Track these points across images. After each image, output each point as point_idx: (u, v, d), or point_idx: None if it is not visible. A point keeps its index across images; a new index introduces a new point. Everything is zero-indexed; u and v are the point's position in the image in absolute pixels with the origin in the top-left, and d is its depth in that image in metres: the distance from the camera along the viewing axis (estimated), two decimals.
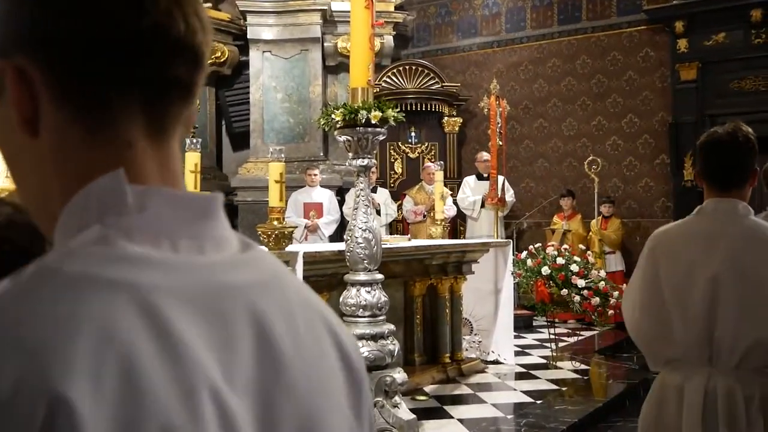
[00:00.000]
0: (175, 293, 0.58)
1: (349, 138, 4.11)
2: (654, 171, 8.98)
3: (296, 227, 8.41)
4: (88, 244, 0.58)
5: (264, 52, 9.48)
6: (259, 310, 0.63)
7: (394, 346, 4.17)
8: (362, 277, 4.11)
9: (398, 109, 4.31)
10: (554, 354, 6.59)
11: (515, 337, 7.46)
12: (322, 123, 4.20)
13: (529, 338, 7.68)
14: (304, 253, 4.39)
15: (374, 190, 8.84)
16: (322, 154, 9.52)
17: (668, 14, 8.58)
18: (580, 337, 7.64)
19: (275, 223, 4.29)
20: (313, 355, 0.68)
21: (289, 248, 4.39)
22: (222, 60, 9.93)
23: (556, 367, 6.24)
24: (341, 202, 9.04)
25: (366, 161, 4.14)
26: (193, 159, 4.73)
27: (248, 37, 9.47)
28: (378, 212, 8.74)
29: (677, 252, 2.34)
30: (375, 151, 4.23)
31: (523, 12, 9.80)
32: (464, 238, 9.16)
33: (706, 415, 2.16)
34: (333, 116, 4.07)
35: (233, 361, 0.60)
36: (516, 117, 9.80)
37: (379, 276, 4.17)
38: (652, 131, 8.98)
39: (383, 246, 5.39)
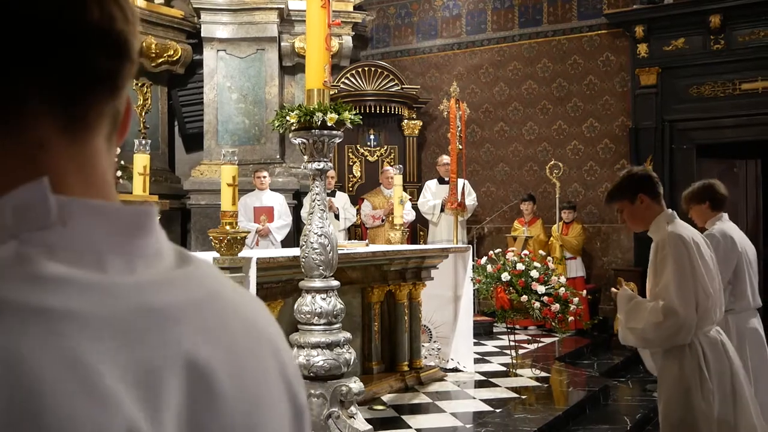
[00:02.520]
0: (94, 320, 0.52)
1: (304, 141, 3.94)
2: (614, 176, 8.75)
3: (248, 232, 8.21)
4: (1, 262, 0.52)
5: (219, 51, 9.24)
6: (191, 339, 0.57)
7: (350, 354, 4.00)
8: (317, 283, 3.94)
9: (356, 112, 4.16)
10: (514, 361, 6.49)
11: (475, 344, 7.34)
12: (276, 125, 4.02)
13: (489, 345, 7.58)
14: (258, 258, 4.19)
15: (332, 194, 8.68)
16: (278, 156, 9.31)
17: (628, 19, 8.59)
18: (540, 344, 7.57)
19: (228, 227, 4.08)
20: (254, 388, 0.62)
21: (243, 254, 4.19)
22: (175, 58, 9.65)
23: (516, 375, 6.14)
24: (298, 206, 8.84)
25: (322, 165, 3.98)
26: (141, 161, 4.51)
27: (202, 35, 9.22)
28: (336, 216, 8.57)
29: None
30: (331, 155, 4.06)
31: (484, 14, 9.72)
32: (425, 243, 9.04)
33: None
34: (288, 118, 3.90)
35: (159, 398, 0.53)
36: (476, 120, 9.71)
37: (335, 283, 4.01)
38: (613, 136, 8.97)
39: (340, 251, 5.22)
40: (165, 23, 9.56)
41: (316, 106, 3.88)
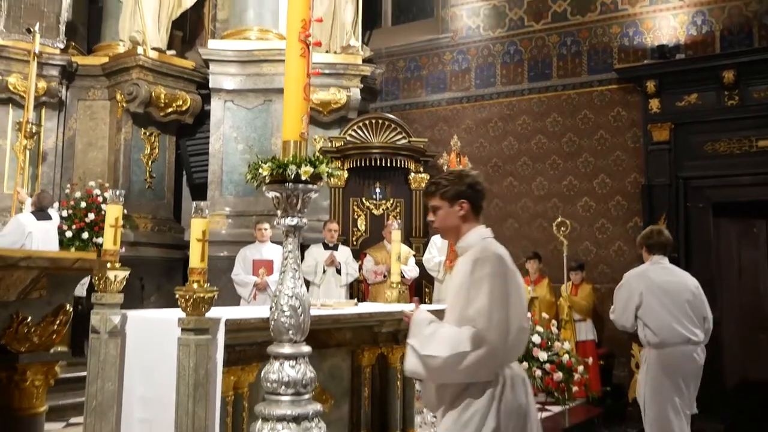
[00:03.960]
0: None
1: (277, 195, 3.74)
2: (627, 234, 8.64)
3: (244, 286, 7.99)
4: None
5: (226, 101, 9.19)
6: None
7: (319, 429, 3.70)
8: (286, 349, 3.67)
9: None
10: None
11: None
12: (248, 177, 3.82)
13: None
14: (228, 320, 3.95)
15: (335, 248, 8.46)
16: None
17: (639, 74, 8.39)
18: (547, 413, 7.14)
19: (195, 285, 3.86)
20: None
21: (211, 313, 3.96)
22: (184, 108, 9.65)
23: None
24: (300, 260, 8.60)
25: (295, 221, 3.75)
26: (114, 212, 4.32)
27: (210, 86, 9.20)
28: (338, 271, 8.33)
29: None
30: (306, 209, 3.84)
31: (493, 68, 9.59)
32: (430, 301, 8.73)
33: None
34: (260, 170, 3.70)
35: None
36: (485, 175, 9.42)
37: (306, 349, 3.73)
38: (625, 193, 8.68)
39: (326, 313, 4.97)
40: (175, 74, 9.58)
41: (290, 159, 3.68)
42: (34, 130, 8.87)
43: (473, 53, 9.78)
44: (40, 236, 7.43)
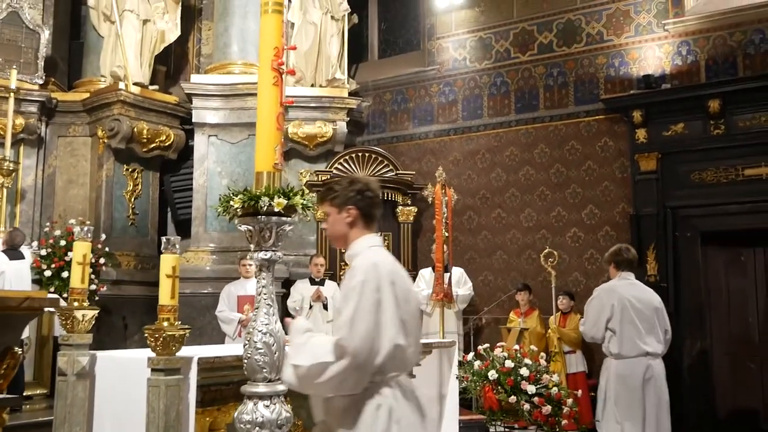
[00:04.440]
0: None
1: (250, 228, 3.62)
2: None
3: (228, 323, 7.81)
4: None
5: (210, 136, 9.12)
6: None
7: None
8: (261, 389, 3.52)
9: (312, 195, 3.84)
10: None
11: None
12: (220, 211, 3.70)
13: None
14: (200, 358, 3.80)
15: (322, 283, 8.31)
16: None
17: (625, 104, 8.35)
18: None
19: (165, 324, 3.71)
20: None
21: (184, 352, 3.81)
22: (167, 144, 9.57)
23: None
24: (286, 296, 8.45)
25: (269, 255, 3.62)
26: (81, 249, 4.19)
27: (193, 120, 9.14)
28: (325, 306, 8.18)
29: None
30: (281, 243, 3.71)
31: (480, 100, 9.56)
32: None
33: None
34: (231, 203, 3.58)
35: None
36: (473, 207, 9.40)
37: (281, 387, 3.57)
38: (613, 223, 8.59)
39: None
40: (158, 109, 9.52)
41: (263, 190, 3.56)
42: (11, 168, 8.70)
43: (460, 85, 9.76)
44: (13, 276, 7.25)
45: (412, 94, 10.10)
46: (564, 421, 5.55)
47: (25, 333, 7.43)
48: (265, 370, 3.48)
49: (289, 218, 3.65)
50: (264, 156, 3.70)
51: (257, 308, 3.58)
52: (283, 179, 9.64)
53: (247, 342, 3.54)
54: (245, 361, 3.51)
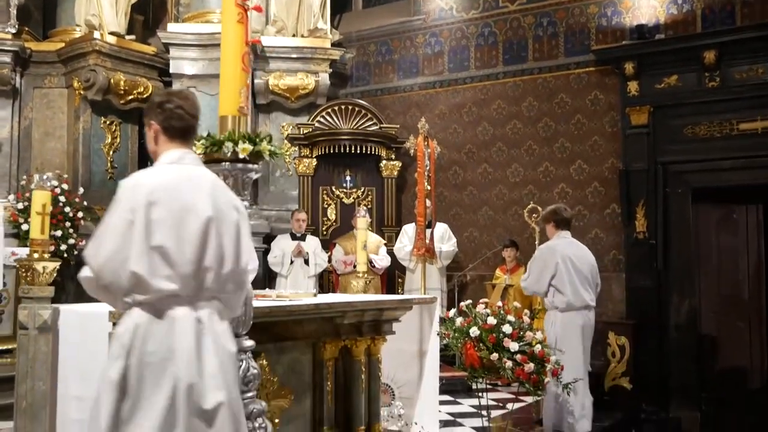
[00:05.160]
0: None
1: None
2: (604, 221, 8.38)
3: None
4: None
5: (189, 87, 8.79)
6: None
7: (263, 429, 3.39)
8: None
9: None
10: (488, 425, 5.81)
11: (450, 403, 6.71)
12: None
13: (466, 405, 6.92)
14: None
15: (303, 238, 8.17)
16: (250, 198, 8.77)
17: (617, 55, 8.10)
18: (520, 404, 6.87)
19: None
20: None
21: None
22: (145, 96, 9.26)
23: None
24: (267, 251, 8.29)
25: None
26: (41, 199, 3.99)
27: (171, 71, 8.84)
28: (306, 262, 8.05)
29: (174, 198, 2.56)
30: (247, 192, 3.51)
31: (467, 51, 9.28)
32: (402, 291, 8.46)
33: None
34: (194, 148, 3.36)
35: None
36: (459, 162, 9.19)
37: (249, 343, 3.41)
38: (602, 179, 8.42)
39: (281, 303, 4.65)
40: (135, 59, 9.20)
41: (227, 135, 3.35)
42: None
43: (446, 36, 9.47)
44: None
45: (397, 45, 9.80)
46: (547, 379, 5.43)
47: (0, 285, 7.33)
48: (232, 325, 3.32)
49: (255, 165, 3.47)
50: (228, 98, 3.51)
51: None
52: (266, 133, 9.37)
53: None
54: None
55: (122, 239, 2.46)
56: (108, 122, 9.26)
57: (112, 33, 8.91)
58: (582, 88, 8.57)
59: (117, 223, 2.48)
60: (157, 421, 2.41)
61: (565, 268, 5.66)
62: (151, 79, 9.33)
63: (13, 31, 8.96)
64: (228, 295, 2.69)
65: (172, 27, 8.92)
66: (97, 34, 8.71)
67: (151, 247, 2.46)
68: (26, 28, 9.33)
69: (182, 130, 2.80)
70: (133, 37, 9.37)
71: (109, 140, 9.31)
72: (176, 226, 2.51)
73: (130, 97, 9.19)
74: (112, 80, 8.89)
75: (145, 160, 9.77)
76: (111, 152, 9.32)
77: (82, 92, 8.91)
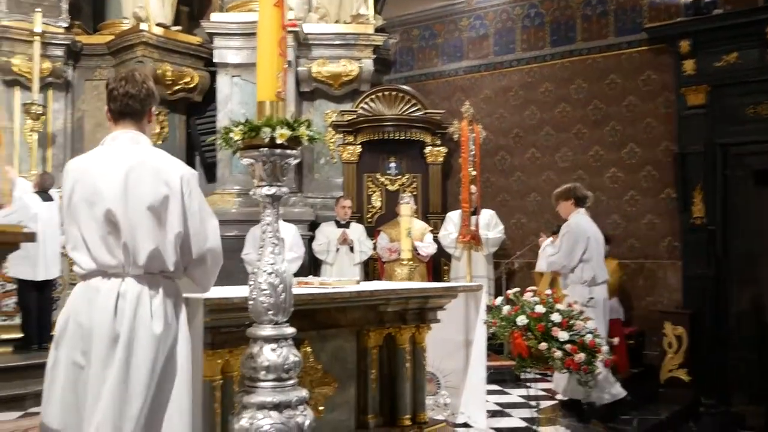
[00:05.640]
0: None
1: (252, 161, 3.36)
2: (659, 206, 8.13)
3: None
4: None
5: (233, 76, 8.85)
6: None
7: (304, 417, 3.33)
8: (267, 331, 3.32)
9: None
10: (537, 416, 5.69)
11: (498, 393, 6.60)
12: (221, 143, 3.46)
13: (514, 395, 6.78)
14: (206, 299, 3.60)
15: (347, 225, 8.13)
16: (294, 185, 8.78)
17: (672, 33, 7.78)
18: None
19: None
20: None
21: (191, 294, 3.61)
22: (191, 86, 9.37)
23: None
24: (312, 239, 8.28)
25: (273, 190, 3.37)
26: None
27: (215, 60, 8.87)
28: (351, 249, 8.00)
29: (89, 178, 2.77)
30: (286, 178, 3.45)
31: (513, 33, 9.08)
32: (448, 279, 8.36)
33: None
34: (231, 135, 3.32)
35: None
36: (506, 147, 9.03)
37: (289, 330, 3.36)
38: (656, 162, 8.15)
39: (323, 291, 4.61)
40: (181, 50, 9.30)
41: (265, 121, 3.29)
42: (39, 111, 8.69)
43: (491, 18, 9.28)
44: (44, 217, 7.35)
45: (441, 29, 9.66)
46: (599, 370, 5.29)
47: (57, 273, 7.52)
48: (270, 312, 3.27)
49: (293, 151, 3.40)
50: (265, 84, 3.43)
51: (261, 247, 3.37)
52: (308, 119, 9.18)
53: (251, 283, 3.32)
54: (250, 303, 3.30)
55: (65, 220, 2.81)
56: (156, 112, 9.35)
57: (158, 24, 9.02)
58: (634, 68, 8.30)
59: (61, 205, 2.82)
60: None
61: (594, 244, 5.94)
62: (197, 69, 9.41)
63: (65, 25, 9.16)
64: (172, 272, 2.87)
65: (215, 16, 8.94)
66: (144, 26, 8.82)
67: (74, 226, 2.76)
68: (77, 23, 9.54)
69: (120, 112, 2.93)
70: (179, 28, 9.46)
71: (158, 130, 9.43)
72: (89, 209, 2.74)
73: (177, 88, 9.28)
74: (159, 71, 8.99)
75: (192, 148, 9.87)
76: (160, 142, 9.43)
77: None
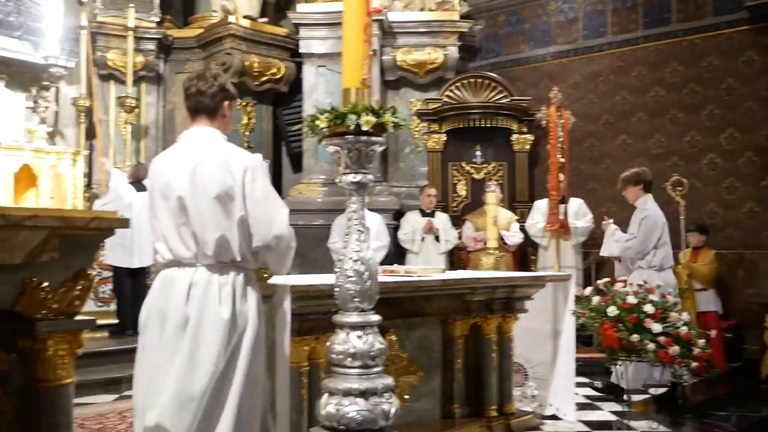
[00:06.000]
0: None
1: (337, 149, 3.37)
2: (760, 194, 7.72)
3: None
4: None
5: (318, 66, 8.94)
6: None
7: (389, 405, 3.32)
8: (353, 318, 3.33)
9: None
10: (628, 410, 5.51)
11: (586, 385, 6.43)
12: (306, 131, 3.48)
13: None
14: (293, 286, 3.65)
15: (432, 215, 8.09)
16: (379, 175, 8.80)
17: None
18: (666, 388, 6.45)
19: None
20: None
21: (276, 279, 3.66)
22: (278, 76, 9.52)
23: (628, 428, 5.19)
24: (397, 228, 8.28)
25: (359, 177, 3.37)
26: None
27: (301, 50, 8.99)
28: (437, 238, 7.96)
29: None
30: (371, 165, 3.44)
31: (603, 16, 8.78)
32: (535, 268, 8.20)
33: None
34: (317, 122, 3.33)
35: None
36: (595, 133, 8.76)
37: (375, 318, 3.36)
38: (757, 148, 7.74)
39: (409, 279, 4.60)
40: (268, 41, 9.45)
41: (350, 108, 3.28)
42: (133, 104, 9.00)
43: (580, 1, 9.01)
44: (138, 206, 7.57)
45: (528, 13, 9.44)
46: (694, 364, 5.07)
47: (150, 261, 7.78)
48: (356, 299, 3.28)
49: (379, 138, 3.38)
50: (351, 71, 3.42)
51: (348, 235, 3.37)
52: (393, 106, 9.20)
53: (337, 270, 3.34)
54: (336, 290, 3.32)
55: (149, 214, 3.08)
56: (243, 103, 9.57)
57: (246, 17, 9.20)
58: (733, 49, 7.89)
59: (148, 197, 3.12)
60: None
61: (666, 230, 5.98)
62: (283, 60, 9.54)
63: (157, 19, 9.45)
64: (239, 261, 2.97)
65: (301, 7, 9.05)
66: (232, 19, 9.00)
67: (156, 219, 2.99)
68: (168, 17, 9.82)
69: (194, 109, 3.09)
70: (265, 19, 9.62)
71: (245, 121, 9.63)
72: (164, 202, 2.94)
73: (264, 79, 9.44)
74: (246, 62, 9.17)
75: (279, 139, 10.04)
76: (247, 132, 9.64)
77: None
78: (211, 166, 2.91)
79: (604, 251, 6.46)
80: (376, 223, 7.84)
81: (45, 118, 8.48)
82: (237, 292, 2.93)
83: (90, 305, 7.72)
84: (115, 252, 7.30)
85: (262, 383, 3.09)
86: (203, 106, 3.07)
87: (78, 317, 2.15)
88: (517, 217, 8.20)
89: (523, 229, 8.13)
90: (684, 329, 5.04)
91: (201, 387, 2.80)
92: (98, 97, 9.05)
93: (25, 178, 7.59)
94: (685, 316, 5.15)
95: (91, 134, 8.99)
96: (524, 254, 8.45)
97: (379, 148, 3.44)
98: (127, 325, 7.17)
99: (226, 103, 3.14)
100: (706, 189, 7.98)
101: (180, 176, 2.92)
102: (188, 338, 2.81)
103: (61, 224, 1.97)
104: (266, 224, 2.97)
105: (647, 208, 6.00)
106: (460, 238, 8.14)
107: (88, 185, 8.83)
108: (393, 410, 3.33)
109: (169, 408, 2.78)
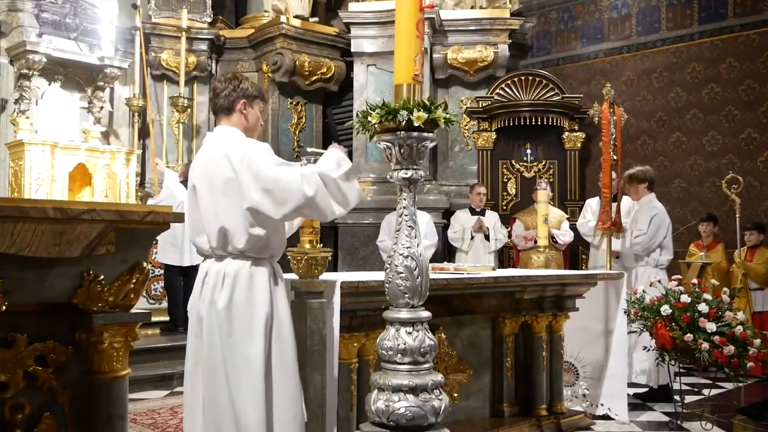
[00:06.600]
0: None
1: (389, 145, 3.39)
2: None
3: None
4: None
5: (368, 65, 8.98)
6: None
7: (440, 402, 3.33)
8: (403, 314, 3.34)
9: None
10: (681, 411, 5.41)
11: (639, 386, 6.33)
12: (357, 127, 3.51)
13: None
14: (344, 282, 3.69)
15: (482, 213, 8.05)
16: (429, 173, 8.81)
17: None
18: (719, 390, 6.33)
19: (307, 246, 3.61)
20: None
21: (325, 276, 3.71)
22: (328, 76, 9.59)
23: (680, 429, 5.10)
24: (446, 226, 8.28)
25: (410, 173, 3.38)
26: None
27: (352, 50, 9.03)
28: (486, 237, 7.93)
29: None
30: (422, 161, 3.46)
31: (658, 12, 8.62)
32: (586, 267, 8.10)
33: None
34: (369, 118, 3.36)
35: None
36: (648, 131, 8.60)
37: (425, 314, 3.37)
38: None
39: (459, 276, 4.59)
40: (318, 41, 9.53)
41: (402, 104, 3.30)
42: (185, 104, 9.17)
43: None
44: None
45: (581, 10, 9.32)
46: (750, 364, 4.94)
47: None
48: (407, 295, 3.30)
49: (430, 134, 3.39)
50: (403, 67, 3.44)
51: (398, 230, 3.39)
52: (444, 102, 9.23)
53: (388, 266, 3.36)
54: (387, 285, 3.34)
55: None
56: (294, 103, 9.68)
57: (296, 16, 9.29)
58: None
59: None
60: None
61: (669, 228, 6.06)
62: (333, 59, 9.62)
63: (209, 20, 9.62)
64: (253, 250, 3.08)
65: (353, 6, 9.11)
66: (283, 19, 9.10)
67: (189, 217, 3.20)
68: (220, 17, 9.98)
69: (213, 111, 3.32)
70: (316, 19, 9.70)
71: (295, 120, 9.73)
72: (192, 199, 3.16)
73: (314, 78, 9.53)
74: (297, 62, 9.27)
75: (329, 137, 10.12)
76: (297, 132, 9.74)
77: (270, 75, 9.38)
78: (218, 160, 3.05)
79: (614, 246, 6.36)
80: (425, 221, 7.85)
81: (99, 118, 8.70)
82: (239, 281, 3.03)
83: (142, 302, 7.90)
84: (167, 250, 7.42)
85: (289, 369, 3.17)
86: (219, 106, 3.23)
87: (133, 310, 2.19)
88: (567, 216, 8.11)
89: (573, 228, 8.04)
90: (739, 329, 4.92)
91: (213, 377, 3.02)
92: (151, 97, 9.25)
93: (80, 177, 7.76)
94: (740, 315, 5.03)
95: (144, 134, 9.20)
96: (575, 253, 8.36)
97: (431, 144, 3.46)
98: (178, 322, 7.26)
99: (242, 101, 3.22)
100: (763, 187, 7.78)
101: (196, 173, 3.13)
102: (204, 327, 3.03)
103: (118, 218, 1.99)
104: (291, 193, 3.00)
105: (657, 206, 6.09)
106: (509, 236, 8.09)
107: (141, 184, 9.03)
108: (443, 407, 3.33)
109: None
